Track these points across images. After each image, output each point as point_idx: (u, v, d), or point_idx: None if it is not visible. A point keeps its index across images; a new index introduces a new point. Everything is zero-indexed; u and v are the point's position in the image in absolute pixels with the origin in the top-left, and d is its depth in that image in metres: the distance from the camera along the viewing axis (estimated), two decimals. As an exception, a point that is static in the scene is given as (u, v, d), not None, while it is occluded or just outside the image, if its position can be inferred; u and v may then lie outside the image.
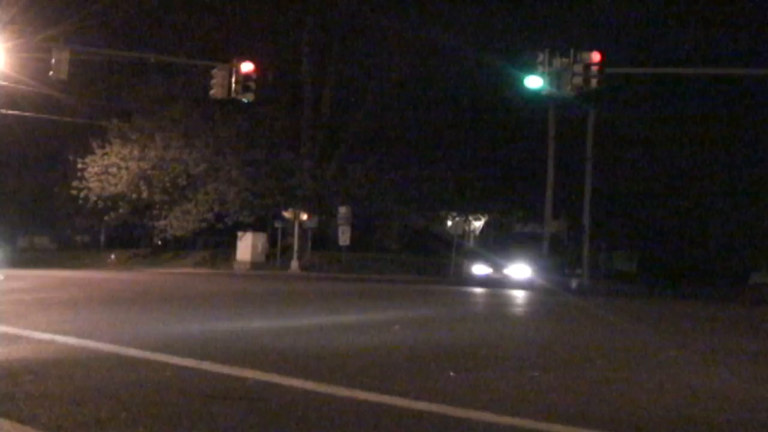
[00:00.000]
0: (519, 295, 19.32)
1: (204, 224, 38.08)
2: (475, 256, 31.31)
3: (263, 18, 37.78)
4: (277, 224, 36.83)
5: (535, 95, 22.51)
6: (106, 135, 37.69)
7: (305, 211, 36.46)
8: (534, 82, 20.91)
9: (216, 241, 43.45)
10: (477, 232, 52.70)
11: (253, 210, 37.59)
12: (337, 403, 4.99)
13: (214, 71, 23.35)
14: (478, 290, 21.64)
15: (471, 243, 49.57)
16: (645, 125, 38.27)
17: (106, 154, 37.44)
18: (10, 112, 33.02)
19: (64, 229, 53.42)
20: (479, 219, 51.58)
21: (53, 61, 21.58)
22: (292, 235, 36.47)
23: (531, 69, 21.19)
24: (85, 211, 40.88)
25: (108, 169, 37.34)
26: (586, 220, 35.74)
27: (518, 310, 15.01)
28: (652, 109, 37.48)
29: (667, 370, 6.95)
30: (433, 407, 4.88)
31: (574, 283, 31.46)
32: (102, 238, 52.42)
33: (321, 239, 38.79)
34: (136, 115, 37.56)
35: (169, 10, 37.01)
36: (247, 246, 37.62)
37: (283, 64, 35.25)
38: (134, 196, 37.78)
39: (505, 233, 49.80)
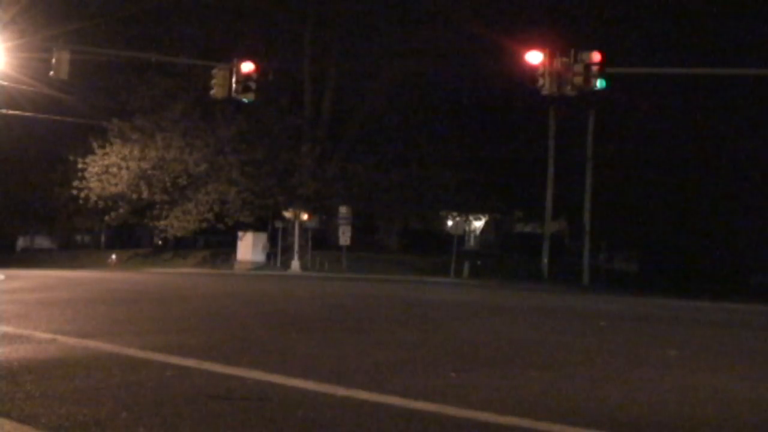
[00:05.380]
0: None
1: (204, 224, 38.09)
2: None
3: (263, 18, 37.80)
4: (278, 224, 36.83)
5: (536, 95, 22.45)
6: (107, 135, 37.70)
7: (306, 210, 36.46)
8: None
9: (216, 241, 43.48)
10: (477, 232, 52.77)
11: (253, 210, 37.60)
12: (337, 403, 4.99)
13: (215, 71, 23.35)
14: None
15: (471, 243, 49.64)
16: (645, 125, 38.27)
17: (106, 154, 37.45)
18: (11, 112, 33.05)
19: (65, 230, 53.44)
20: (479, 219, 51.61)
21: (53, 61, 21.58)
22: (293, 234, 36.48)
23: (531, 70, 21.13)
24: (86, 211, 40.91)
25: (108, 169, 37.35)
26: (586, 220, 35.77)
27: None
28: (653, 109, 37.47)
29: (667, 370, 6.95)
30: (433, 407, 4.88)
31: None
32: (102, 238, 52.47)
33: (321, 239, 38.80)
34: (137, 115, 37.56)
35: (169, 10, 37.02)
36: (247, 246, 37.64)
37: (283, 64, 35.27)
38: (134, 196, 37.79)
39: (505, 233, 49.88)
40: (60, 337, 7.81)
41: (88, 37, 27.90)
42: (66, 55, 21.69)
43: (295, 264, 35.17)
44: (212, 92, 23.59)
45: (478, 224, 52.44)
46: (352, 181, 38.23)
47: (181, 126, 37.47)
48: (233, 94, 23.05)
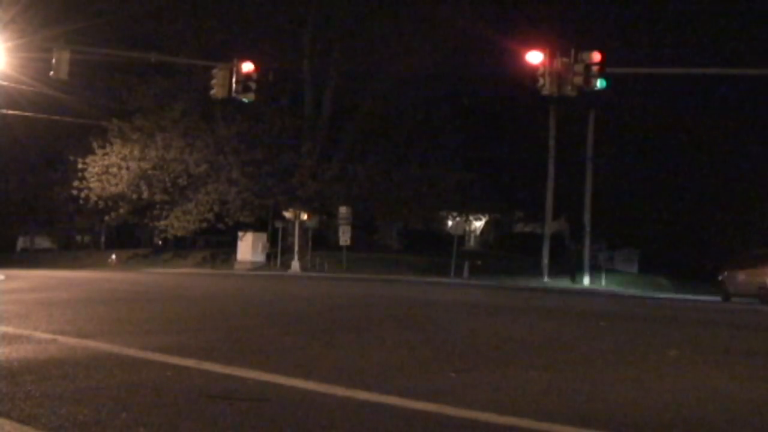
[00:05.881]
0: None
1: (204, 224, 38.11)
2: None
3: (264, 18, 37.81)
4: (278, 224, 36.84)
5: (536, 95, 22.48)
6: (107, 135, 37.72)
7: (306, 211, 36.47)
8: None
9: (216, 241, 43.49)
10: (477, 232, 52.81)
11: (253, 210, 37.62)
12: (337, 403, 4.99)
13: (215, 71, 23.36)
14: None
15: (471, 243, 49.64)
16: (645, 125, 38.31)
17: (106, 154, 37.46)
18: (11, 112, 33.06)
19: (65, 230, 53.45)
20: (479, 219, 51.65)
21: (53, 61, 21.58)
22: (293, 235, 36.49)
23: (531, 70, 21.14)
24: (86, 211, 40.94)
25: (108, 169, 37.36)
26: (586, 220, 35.78)
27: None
28: (653, 108, 37.52)
29: (667, 370, 6.95)
30: (433, 407, 4.88)
31: None
32: (102, 238, 52.46)
33: (321, 239, 38.81)
34: (137, 115, 37.57)
35: (169, 10, 37.04)
36: (247, 246, 37.63)
37: (284, 64, 35.29)
38: (135, 196, 37.80)
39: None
40: (60, 337, 7.81)
41: (88, 37, 27.88)
42: (66, 55, 21.68)
43: (295, 264, 35.17)
44: (212, 92, 23.60)
45: (478, 224, 52.46)
46: (352, 181, 38.24)
47: (181, 126, 37.49)
48: (233, 94, 23.06)
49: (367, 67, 38.30)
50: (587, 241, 35.82)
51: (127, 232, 49.33)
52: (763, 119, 36.91)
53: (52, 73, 21.87)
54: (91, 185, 37.39)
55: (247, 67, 22.76)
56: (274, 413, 4.66)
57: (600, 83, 20.62)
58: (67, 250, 51.45)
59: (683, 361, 7.61)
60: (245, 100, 23.82)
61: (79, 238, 56.25)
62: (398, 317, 11.97)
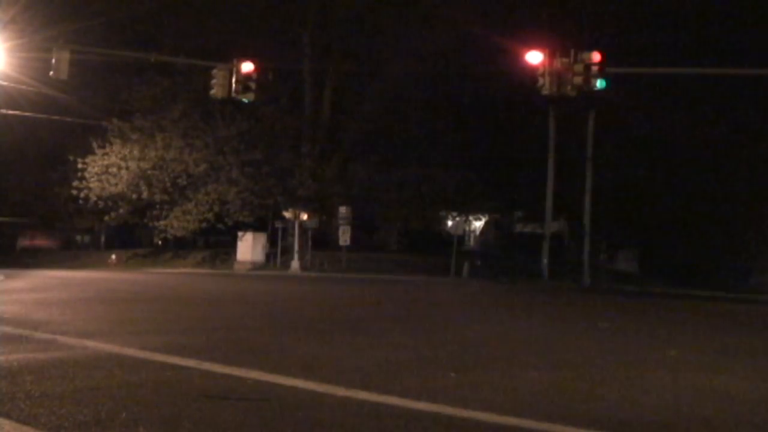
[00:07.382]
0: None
1: (204, 224, 38.05)
2: None
3: (263, 18, 37.81)
4: (278, 224, 36.82)
5: (536, 94, 22.43)
6: (106, 135, 37.67)
7: (305, 211, 36.43)
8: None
9: (216, 241, 43.45)
10: (477, 232, 52.77)
11: (253, 210, 37.57)
12: (337, 403, 4.99)
13: (214, 71, 23.32)
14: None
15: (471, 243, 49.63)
16: (646, 124, 38.30)
17: (106, 154, 37.41)
18: (11, 112, 33.03)
19: (64, 229, 53.40)
20: (479, 219, 51.61)
21: (53, 61, 21.55)
22: (293, 235, 36.45)
23: (531, 70, 21.13)
24: (86, 211, 40.89)
25: (108, 169, 37.31)
26: (586, 220, 35.77)
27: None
28: (653, 108, 37.50)
29: (667, 370, 6.94)
30: (433, 407, 4.88)
31: None
32: (102, 238, 52.44)
33: (321, 239, 38.77)
34: (137, 115, 37.53)
35: (169, 10, 37.02)
36: (247, 246, 37.58)
37: (283, 64, 35.23)
38: (134, 196, 37.75)
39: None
40: (60, 337, 7.81)
41: (88, 37, 27.82)
42: (66, 55, 21.65)
43: (295, 264, 35.13)
44: (212, 92, 23.55)
45: (478, 224, 52.42)
46: (352, 182, 38.22)
47: (181, 126, 37.42)
48: (233, 94, 23.04)
49: (367, 67, 38.27)
50: (587, 242, 35.80)
51: (127, 232, 49.28)
52: (763, 119, 36.88)
53: (52, 73, 21.83)
54: (91, 185, 37.32)
55: (247, 67, 22.72)
56: (273, 413, 4.66)
57: (600, 83, 20.59)
58: (67, 250, 51.39)
59: (683, 361, 7.61)
60: (245, 100, 23.79)
61: (79, 238, 56.17)
62: (398, 317, 11.97)
